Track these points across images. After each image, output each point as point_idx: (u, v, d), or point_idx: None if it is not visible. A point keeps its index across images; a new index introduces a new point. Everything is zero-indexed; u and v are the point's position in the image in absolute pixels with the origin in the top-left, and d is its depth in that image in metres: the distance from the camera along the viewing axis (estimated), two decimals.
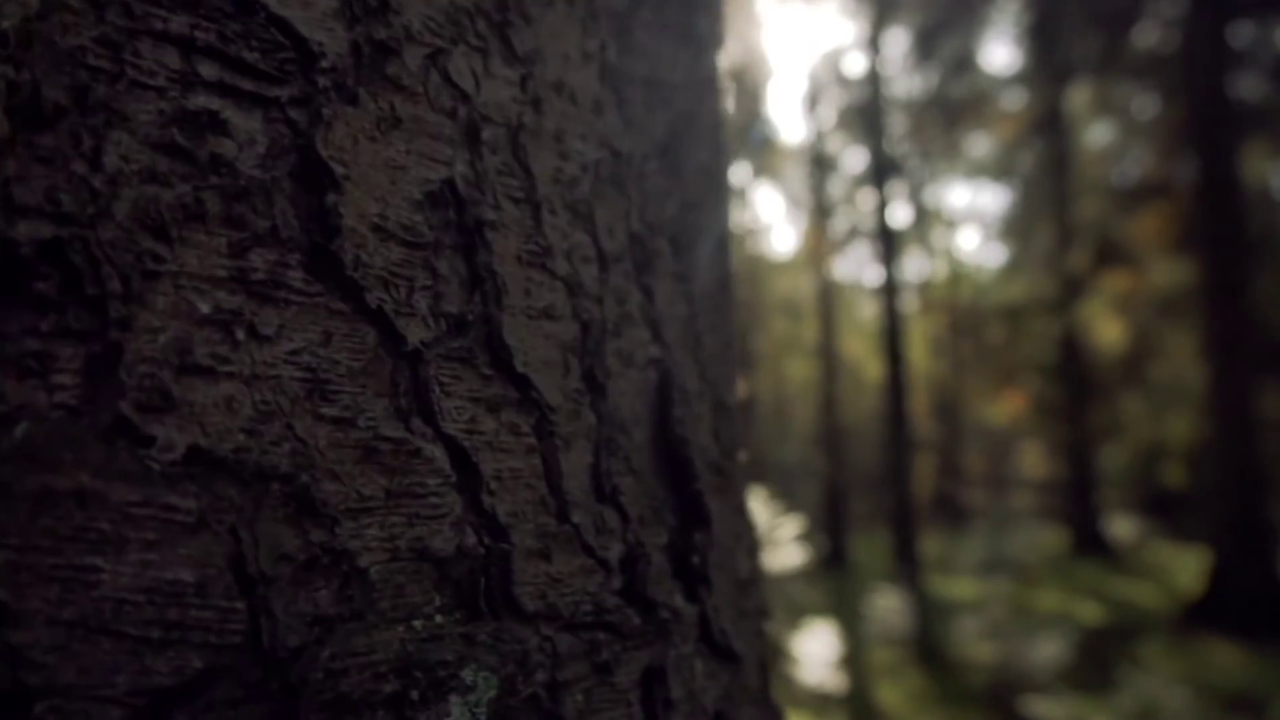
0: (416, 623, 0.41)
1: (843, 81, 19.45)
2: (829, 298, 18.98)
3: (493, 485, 0.46)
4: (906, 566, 14.48)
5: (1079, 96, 20.21)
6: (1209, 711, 7.68)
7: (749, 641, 0.75)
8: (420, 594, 0.41)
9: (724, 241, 0.93)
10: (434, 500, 0.43)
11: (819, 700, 9.00)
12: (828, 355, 18.63)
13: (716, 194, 0.90)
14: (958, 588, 14.97)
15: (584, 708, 0.49)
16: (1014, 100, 21.05)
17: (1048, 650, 9.40)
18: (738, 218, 26.91)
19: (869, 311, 27.44)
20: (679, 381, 0.66)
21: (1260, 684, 8.77)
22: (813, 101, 19.60)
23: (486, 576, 0.45)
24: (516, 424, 0.49)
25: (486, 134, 0.50)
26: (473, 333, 0.47)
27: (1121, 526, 20.55)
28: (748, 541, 0.84)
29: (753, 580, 0.81)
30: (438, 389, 0.44)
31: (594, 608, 0.51)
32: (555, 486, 0.51)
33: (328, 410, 0.40)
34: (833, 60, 21.65)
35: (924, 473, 25.93)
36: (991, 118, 21.55)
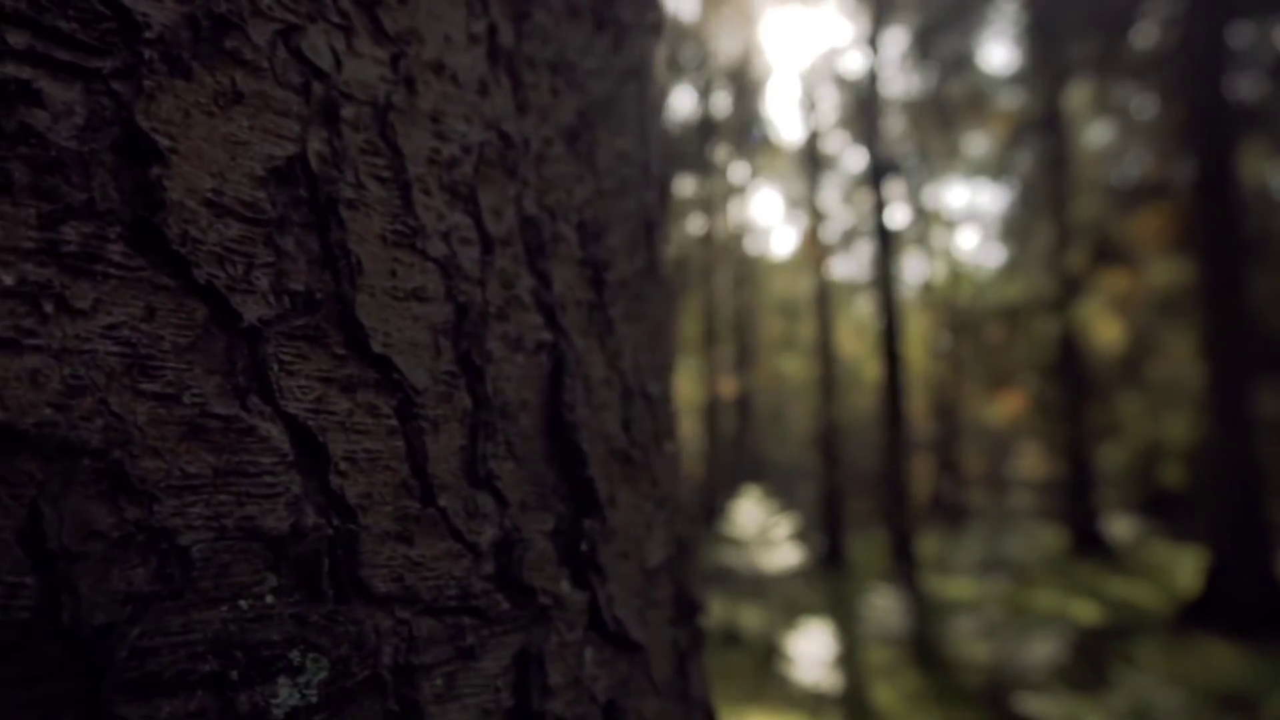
0: (242, 602, 0.40)
1: (841, 81, 19.45)
2: (826, 298, 18.98)
3: (343, 466, 0.46)
4: (904, 566, 14.48)
5: (1077, 96, 20.19)
6: (1203, 711, 7.67)
7: (658, 631, 0.74)
8: (249, 573, 0.41)
9: (651, 230, 0.92)
10: (268, 479, 0.42)
11: (814, 699, 8.99)
12: (825, 355, 18.62)
13: (641, 183, 0.90)
14: (955, 587, 14.96)
15: (444, 691, 0.49)
16: (1012, 100, 21.04)
17: (1044, 649, 9.39)
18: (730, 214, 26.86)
19: (868, 311, 27.42)
20: (573, 368, 0.65)
21: (1255, 683, 8.76)
22: (810, 101, 19.59)
23: (331, 558, 0.44)
24: (375, 405, 0.48)
25: (347, 112, 0.49)
26: (323, 311, 0.46)
27: (1120, 526, 20.53)
28: (666, 531, 0.83)
29: (666, 569, 0.80)
30: (277, 367, 0.43)
31: (459, 592, 0.51)
32: (419, 469, 0.50)
33: (149, 386, 0.39)
34: (831, 60, 21.64)
35: (922, 472, 25.91)
36: (989, 117, 21.54)
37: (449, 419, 0.53)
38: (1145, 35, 17.04)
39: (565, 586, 0.59)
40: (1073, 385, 19.06)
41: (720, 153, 25.55)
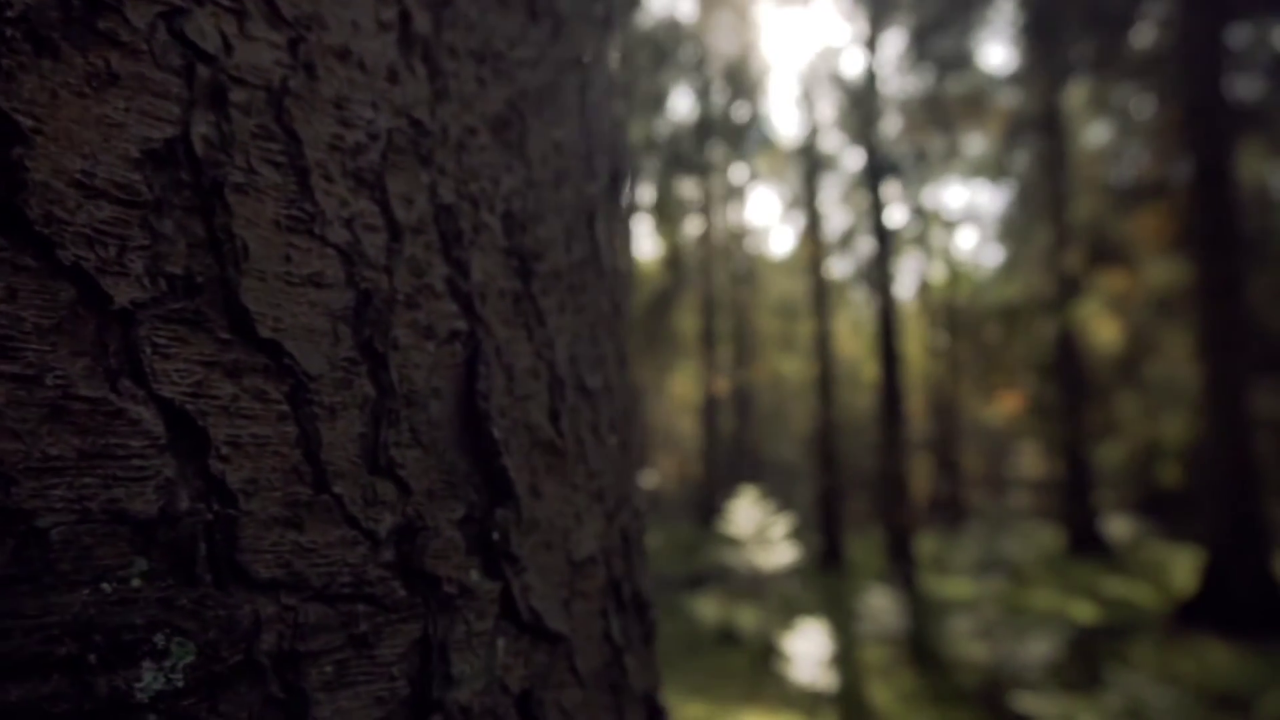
0: (105, 586, 0.40)
1: (838, 81, 19.44)
2: (824, 297, 18.97)
3: (224, 450, 0.45)
4: (901, 566, 14.48)
5: (1075, 96, 20.17)
6: (1196, 709, 7.66)
7: (585, 623, 0.74)
8: (114, 557, 0.40)
9: (593, 222, 0.91)
10: (136, 462, 0.42)
11: (811, 699, 8.99)
12: (823, 355, 18.62)
13: (582, 174, 0.89)
14: (952, 587, 14.97)
15: (333, 679, 0.48)
16: (1009, 100, 21.03)
17: (1040, 649, 9.38)
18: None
19: (866, 311, 27.43)
20: (491, 357, 0.65)
21: (1249, 682, 8.75)
22: (808, 101, 19.58)
23: (209, 542, 0.44)
24: (264, 390, 0.48)
25: (238, 96, 0.49)
26: (205, 295, 0.46)
27: (1118, 526, 20.53)
28: (603, 524, 0.83)
29: (601, 561, 0.79)
30: (150, 350, 0.43)
31: (354, 579, 0.51)
32: (313, 455, 0.50)
33: (7, 367, 0.39)
34: (829, 60, 21.62)
35: (921, 472, 25.90)
36: (986, 117, 21.53)
37: (348, 406, 0.52)
38: (1143, 35, 17.03)
39: (475, 576, 0.59)
40: (1071, 385, 19.04)
41: (718, 152, 25.55)
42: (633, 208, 1.07)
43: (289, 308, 0.50)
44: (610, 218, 1.01)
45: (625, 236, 1.03)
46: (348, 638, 0.50)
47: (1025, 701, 8.52)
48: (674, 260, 26.80)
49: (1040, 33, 18.03)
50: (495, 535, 0.61)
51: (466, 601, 0.58)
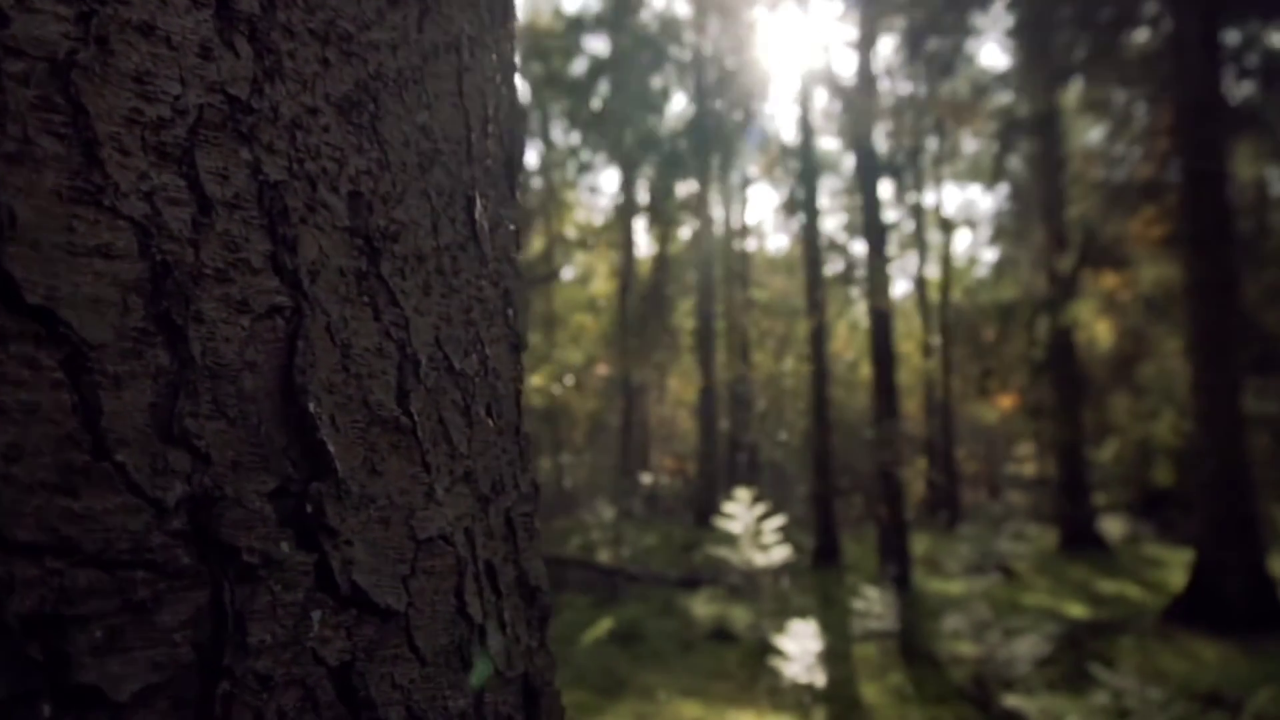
0: None
1: (834, 82, 19.45)
2: (820, 296, 18.96)
3: None
4: (896, 564, 14.49)
5: (1070, 96, 20.17)
6: (1186, 707, 7.66)
7: (429, 600, 0.75)
8: None
9: (471, 205, 0.92)
10: None
11: (803, 696, 9.00)
12: (819, 354, 18.61)
13: (458, 158, 0.90)
14: (946, 585, 14.96)
15: (104, 643, 0.49)
16: (1004, 102, 21.03)
17: (1030, 647, 9.39)
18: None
19: (863, 310, 27.43)
20: (315, 333, 0.65)
21: (1237, 680, 8.75)
22: (804, 102, 19.58)
23: None
24: (35, 358, 0.49)
25: (14, 67, 0.50)
26: None
27: (1112, 525, 20.53)
28: (469, 504, 0.83)
29: (451, 539, 0.80)
30: None
31: (133, 545, 0.51)
32: (91, 423, 0.50)
33: None
34: (824, 61, 21.62)
35: (917, 471, 25.89)
36: (980, 118, 21.54)
37: (137, 375, 0.53)
38: (1137, 35, 17.03)
39: (286, 547, 0.60)
40: (1066, 385, 19.04)
41: (714, 152, 25.55)
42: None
43: (69, 277, 0.51)
44: (497, 204, 1.01)
45: (513, 222, 1.03)
46: (123, 603, 0.50)
47: (1014, 699, 8.53)
48: (670, 259, 26.81)
49: (1033, 35, 18.01)
50: (308, 508, 0.61)
51: (271, 572, 0.58)
